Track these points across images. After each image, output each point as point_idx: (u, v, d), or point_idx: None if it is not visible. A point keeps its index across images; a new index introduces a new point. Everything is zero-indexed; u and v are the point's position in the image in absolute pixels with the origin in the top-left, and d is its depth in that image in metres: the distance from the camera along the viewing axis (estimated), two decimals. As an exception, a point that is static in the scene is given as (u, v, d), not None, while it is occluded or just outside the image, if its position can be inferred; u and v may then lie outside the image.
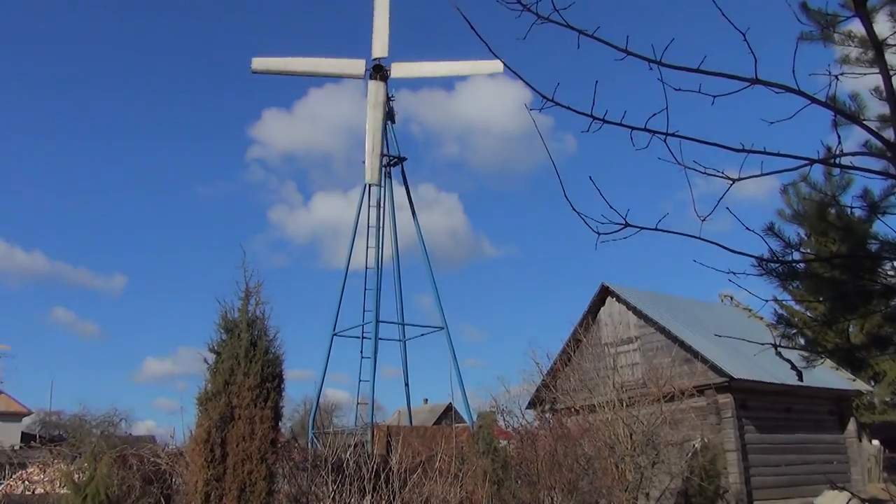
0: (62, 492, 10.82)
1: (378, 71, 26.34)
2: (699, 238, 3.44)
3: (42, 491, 13.71)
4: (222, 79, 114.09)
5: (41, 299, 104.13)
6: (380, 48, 26.45)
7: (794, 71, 3.33)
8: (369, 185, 26.68)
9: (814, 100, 3.44)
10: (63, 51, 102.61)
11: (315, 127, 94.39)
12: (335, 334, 26.42)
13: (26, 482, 14.51)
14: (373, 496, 11.93)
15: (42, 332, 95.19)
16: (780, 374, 21.49)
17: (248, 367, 9.27)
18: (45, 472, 13.86)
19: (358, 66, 26.50)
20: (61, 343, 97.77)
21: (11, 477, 15.12)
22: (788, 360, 5.17)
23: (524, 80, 3.26)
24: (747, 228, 3.70)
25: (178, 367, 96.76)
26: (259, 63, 26.46)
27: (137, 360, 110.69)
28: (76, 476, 10.11)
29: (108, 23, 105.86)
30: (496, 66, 25.53)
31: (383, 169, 26.96)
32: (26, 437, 46.34)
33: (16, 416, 53.25)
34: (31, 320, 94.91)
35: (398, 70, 26.54)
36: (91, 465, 9.63)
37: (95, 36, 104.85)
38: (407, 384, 28.20)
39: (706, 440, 18.76)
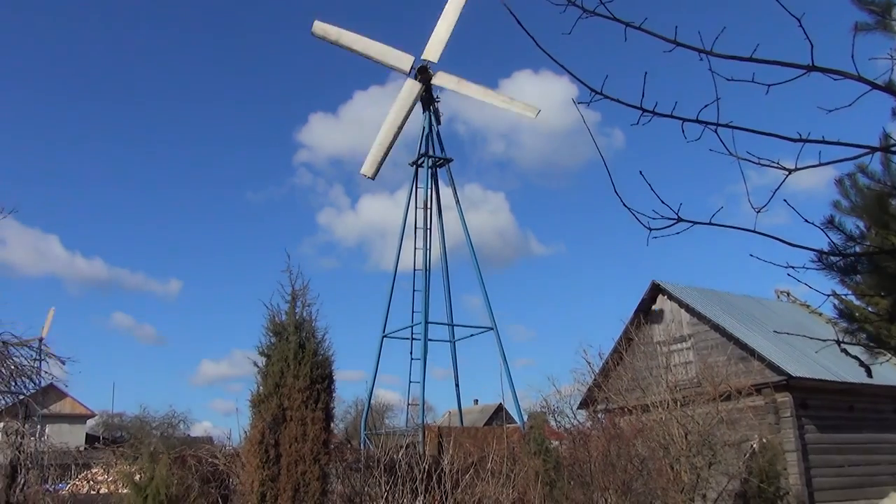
0: (124, 491, 11.13)
1: (422, 73, 26.36)
2: (755, 232, 3.33)
3: (105, 490, 14.15)
4: (269, 85, 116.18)
5: (102, 304, 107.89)
6: (432, 52, 26.43)
7: (852, 56, 3.20)
8: (415, 186, 26.79)
9: (874, 85, 3.30)
10: (115, 61, 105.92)
11: (360, 130, 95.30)
12: (385, 336, 26.58)
13: (91, 482, 15.00)
14: (425, 497, 11.97)
15: (103, 336, 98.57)
16: (842, 372, 20.82)
17: (297, 369, 9.38)
18: (108, 472, 14.29)
19: (405, 60, 26.42)
20: (121, 347, 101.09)
21: (77, 477, 15.63)
22: (855, 357, 4.97)
23: (572, 74, 3.21)
24: (806, 221, 3.57)
25: (233, 369, 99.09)
26: (319, 27, 26.69)
27: (194, 362, 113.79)
28: (137, 476, 10.39)
29: (158, 32, 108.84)
30: (532, 109, 25.33)
31: (428, 169, 27.00)
32: (90, 439, 47.94)
33: (80, 419, 55.14)
34: (92, 325, 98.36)
35: (441, 79, 26.48)
36: (151, 465, 9.88)
37: (145, 46, 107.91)
38: (457, 385, 28.19)
39: (765, 440, 18.27)
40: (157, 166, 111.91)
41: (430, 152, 27.00)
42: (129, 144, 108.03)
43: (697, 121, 3.18)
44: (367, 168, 25.42)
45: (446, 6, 26.82)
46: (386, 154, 25.53)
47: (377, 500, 11.96)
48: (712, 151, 3.31)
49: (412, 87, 26.25)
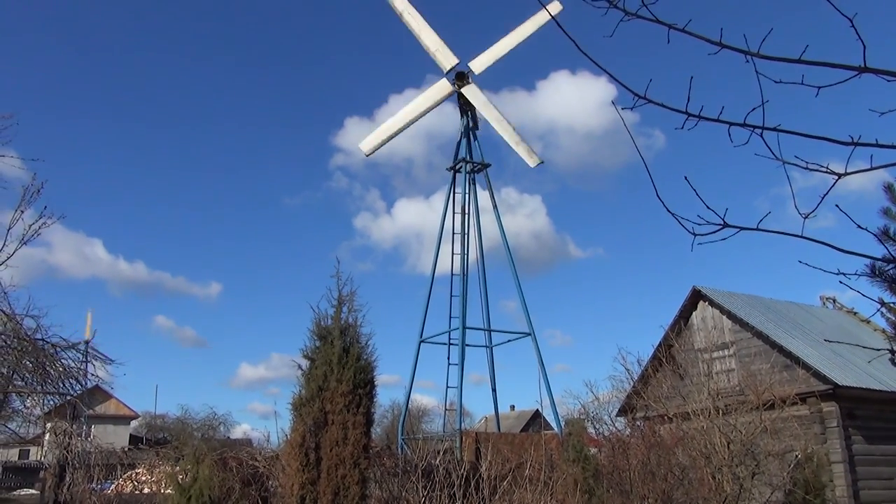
0: (167, 492, 11.33)
1: (459, 78, 26.40)
2: (805, 238, 3.27)
3: (149, 490, 14.42)
4: (305, 90, 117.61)
5: (144, 307, 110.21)
6: (479, 64, 26.47)
7: (906, 57, 3.12)
8: (452, 191, 26.82)
9: (929, 87, 3.21)
10: (153, 68, 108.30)
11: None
12: (422, 341, 26.61)
13: (135, 482, 15.30)
14: (463, 503, 11.95)
15: (146, 338, 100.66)
16: (891, 381, 20.26)
17: (340, 373, 9.45)
18: (152, 472, 14.56)
19: (450, 59, 25.79)
20: (163, 349, 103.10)
21: (122, 477, 15.96)
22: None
23: (615, 78, 3.19)
24: (860, 227, 3.47)
25: (271, 372, 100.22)
26: (367, 144, 25.85)
27: (233, 365, 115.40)
28: (180, 477, 10.57)
29: (195, 39, 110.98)
30: (534, 159, 25.94)
31: (466, 174, 27.03)
32: (134, 440, 48.92)
33: (125, 420, 56.37)
34: (135, 328, 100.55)
35: (471, 92, 26.37)
36: (194, 467, 10.05)
37: (183, 52, 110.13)
38: (494, 390, 28.07)
39: (810, 450, 17.84)
40: (195, 172, 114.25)
41: (468, 157, 27.02)
42: (169, 151, 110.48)
43: (744, 125, 3.13)
44: (366, 145, 25.52)
45: (521, 27, 26.79)
46: (389, 138, 25.55)
47: (415, 505, 11.98)
48: (758, 156, 3.26)
49: (443, 87, 26.29)
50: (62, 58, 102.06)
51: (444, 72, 26.38)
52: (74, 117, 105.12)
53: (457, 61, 26.30)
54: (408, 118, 25.75)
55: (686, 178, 3.27)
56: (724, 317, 22.56)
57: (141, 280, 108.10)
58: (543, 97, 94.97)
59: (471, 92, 26.37)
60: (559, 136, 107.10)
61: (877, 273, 4.31)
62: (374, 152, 25.67)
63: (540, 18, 25.94)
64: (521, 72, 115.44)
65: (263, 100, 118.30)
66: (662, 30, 3.22)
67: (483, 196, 27.65)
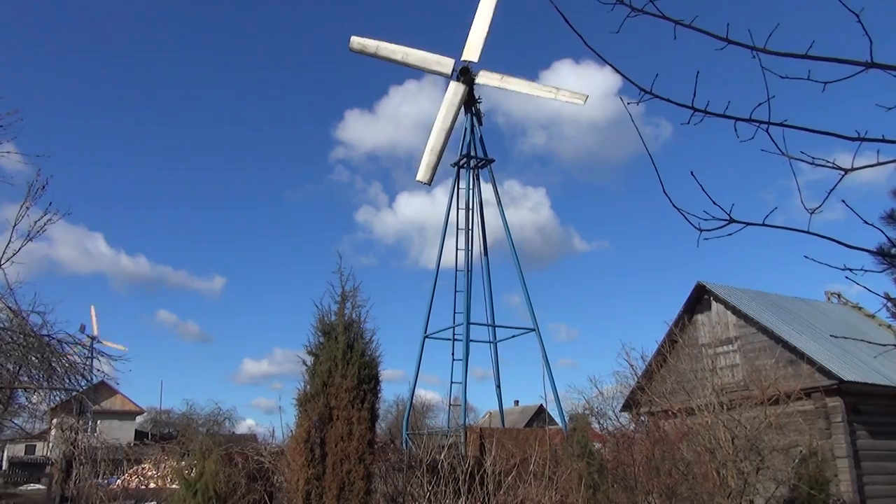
0: (173, 487, 11.38)
1: (464, 74, 26.37)
2: (811, 233, 3.26)
3: (155, 485, 14.49)
4: (304, 83, 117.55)
5: (146, 302, 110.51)
6: (472, 52, 26.43)
7: (913, 52, 3.12)
8: (456, 186, 26.80)
9: (936, 82, 3.20)
10: (153, 65, 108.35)
11: (397, 126, 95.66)
12: (427, 336, 26.62)
13: (140, 477, 15.36)
14: (468, 498, 11.97)
15: (149, 333, 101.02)
16: (896, 377, 20.21)
17: (345, 369, 9.48)
18: (158, 468, 14.62)
19: (446, 64, 26.51)
20: (166, 344, 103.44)
21: (128, 472, 16.02)
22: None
23: (621, 73, 3.19)
24: (866, 223, 3.46)
25: (274, 367, 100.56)
26: (356, 42, 27.03)
27: (236, 360, 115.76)
28: (186, 472, 10.61)
29: (192, 32, 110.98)
30: (580, 97, 25.06)
31: (470, 170, 27.01)
32: (139, 435, 49.11)
33: (130, 415, 56.62)
34: (138, 322, 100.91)
35: (484, 78, 26.45)
36: (200, 462, 10.09)
37: (180, 47, 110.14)
38: (498, 386, 28.06)
39: (815, 445, 17.83)
40: (195, 166, 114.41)
41: (472, 153, 26.99)
42: (169, 145, 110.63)
43: (750, 120, 3.13)
44: (423, 174, 25.80)
45: (479, 5, 26.78)
46: (439, 158, 25.92)
47: (420, 500, 12.01)
48: (764, 151, 3.26)
49: (456, 88, 26.29)
50: (65, 56, 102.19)
51: (448, 76, 26.47)
52: (75, 112, 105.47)
53: (452, 61, 26.37)
54: (444, 132, 25.94)
55: (692, 173, 3.27)
56: (729, 312, 22.52)
57: (143, 274, 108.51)
58: (551, 85, 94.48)
59: (484, 78, 26.39)
60: (563, 126, 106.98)
61: (890, 264, 4.26)
62: (433, 178, 26.07)
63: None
64: (524, 63, 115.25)
65: (263, 93, 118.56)
66: (668, 25, 3.22)
67: (487, 190, 27.66)
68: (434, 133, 25.98)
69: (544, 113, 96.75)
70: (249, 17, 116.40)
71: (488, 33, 26.58)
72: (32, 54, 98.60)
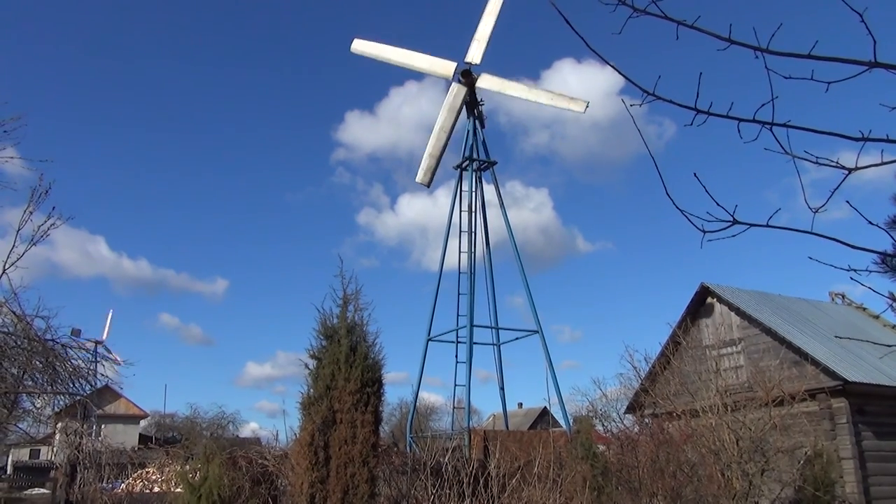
0: (177, 491, 11.38)
1: (466, 76, 26.40)
2: (815, 234, 3.25)
3: (159, 489, 14.49)
4: (304, 84, 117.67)
5: (149, 305, 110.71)
6: (474, 55, 26.48)
7: (916, 51, 3.11)
8: (459, 189, 26.82)
9: (940, 81, 3.19)
10: (154, 75, 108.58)
11: (398, 127, 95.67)
12: (430, 339, 26.62)
13: (145, 481, 15.37)
14: (471, 501, 11.95)
15: (151, 336, 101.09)
16: (901, 377, 20.14)
17: (348, 372, 9.47)
18: (162, 471, 14.62)
19: (448, 67, 26.57)
20: (169, 347, 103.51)
21: (132, 476, 16.03)
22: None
23: (624, 75, 3.19)
24: (871, 223, 3.45)
25: (277, 370, 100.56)
26: (358, 45, 27.19)
27: (239, 363, 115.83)
28: (190, 476, 10.61)
29: (193, 35, 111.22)
30: (580, 104, 24.97)
31: (472, 173, 27.01)
32: (143, 439, 49.16)
33: (134, 419, 56.66)
34: (140, 326, 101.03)
35: (485, 81, 26.46)
36: (204, 466, 10.09)
37: (180, 50, 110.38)
38: (502, 388, 28.08)
39: (820, 447, 17.77)
40: (196, 169, 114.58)
41: (475, 156, 27.01)
42: (170, 148, 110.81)
43: (754, 120, 3.12)
44: (422, 177, 25.91)
45: (486, 7, 26.84)
46: (438, 161, 26.02)
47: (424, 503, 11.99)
48: (768, 150, 3.25)
49: (458, 91, 26.31)
50: (67, 60, 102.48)
51: (450, 79, 26.51)
52: (76, 116, 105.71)
53: (454, 64, 26.43)
54: (444, 135, 26.03)
55: (695, 174, 3.26)
56: (733, 313, 22.48)
57: (145, 278, 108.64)
58: (549, 85, 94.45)
59: (485, 82, 26.42)
60: (565, 126, 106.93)
61: (891, 268, 4.26)
62: (432, 180, 26.28)
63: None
64: (525, 62, 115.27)
65: (263, 96, 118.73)
66: (671, 26, 3.21)
67: (489, 191, 27.71)
68: (434, 135, 26.06)
69: (546, 113, 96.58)
70: (249, 20, 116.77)
71: (491, 36, 26.66)
72: (35, 59, 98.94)
